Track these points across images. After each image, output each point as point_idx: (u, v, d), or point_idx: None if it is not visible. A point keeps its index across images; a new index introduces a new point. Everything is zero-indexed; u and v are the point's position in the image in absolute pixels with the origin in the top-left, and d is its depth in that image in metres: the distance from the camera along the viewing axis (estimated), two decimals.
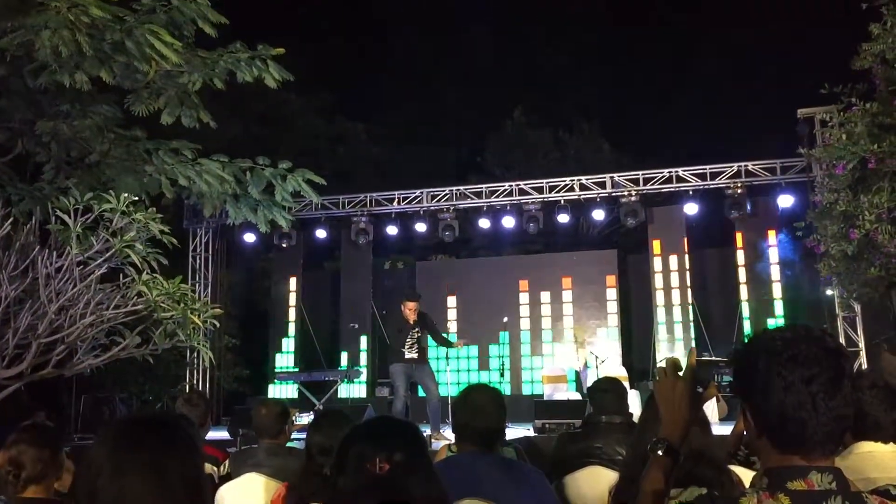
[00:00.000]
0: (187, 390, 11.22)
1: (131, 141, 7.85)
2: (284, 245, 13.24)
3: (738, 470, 2.96)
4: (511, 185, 12.69)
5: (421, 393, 9.46)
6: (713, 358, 1.91)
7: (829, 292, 10.81)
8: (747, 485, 1.86)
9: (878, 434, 2.60)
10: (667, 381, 1.85)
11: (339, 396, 11.41)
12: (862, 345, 10.75)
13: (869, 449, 2.48)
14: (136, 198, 6.52)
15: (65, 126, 7.47)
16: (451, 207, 12.62)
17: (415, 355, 9.12)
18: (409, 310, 9.04)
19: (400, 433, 1.74)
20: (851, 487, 1.51)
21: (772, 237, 12.15)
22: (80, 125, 7.49)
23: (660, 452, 1.79)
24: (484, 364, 13.16)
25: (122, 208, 6.06)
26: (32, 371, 6.01)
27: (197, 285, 12.99)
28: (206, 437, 5.53)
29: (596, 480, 3.50)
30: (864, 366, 10.66)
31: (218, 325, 7.95)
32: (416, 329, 9.07)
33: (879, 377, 2.64)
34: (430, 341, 9.48)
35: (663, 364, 1.91)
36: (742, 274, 12.16)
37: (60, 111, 7.56)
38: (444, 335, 9.50)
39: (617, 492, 2.88)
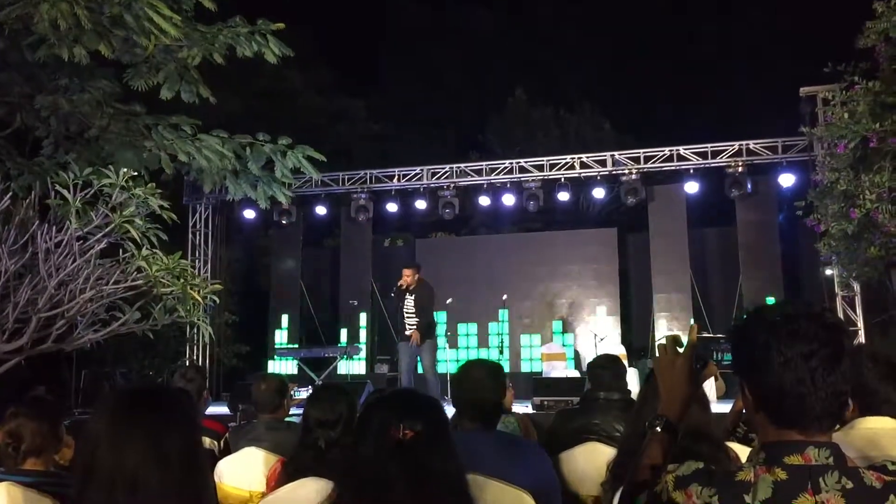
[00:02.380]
0: (187, 365, 11.25)
1: (130, 116, 7.81)
2: (284, 222, 13.22)
3: (736, 447, 2.98)
4: (511, 163, 12.65)
5: (420, 369, 9.51)
6: (713, 335, 1.91)
7: (828, 272, 10.81)
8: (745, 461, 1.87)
9: (886, 409, 2.55)
10: (667, 357, 1.86)
11: (338, 373, 11.44)
12: (861, 324, 10.76)
13: (872, 425, 2.46)
14: (136, 173, 6.51)
15: (64, 100, 7.44)
16: (452, 185, 12.59)
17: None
18: (404, 276, 9.20)
19: (424, 406, 1.73)
20: (849, 463, 1.51)
21: (772, 216, 12.13)
22: (79, 99, 7.45)
23: (658, 429, 1.80)
24: (483, 342, 13.19)
25: (122, 183, 6.04)
26: (32, 345, 6.03)
27: (197, 261, 13.00)
28: (207, 412, 5.56)
29: (594, 456, 3.52)
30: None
31: (218, 301, 7.97)
32: (412, 297, 9.16)
33: (880, 352, 2.61)
34: (438, 317, 9.55)
35: (664, 341, 1.92)
36: (742, 253, 12.15)
37: (59, 85, 7.52)
38: (427, 321, 9.44)
39: (615, 467, 2.90)
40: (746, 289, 11.98)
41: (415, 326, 9.18)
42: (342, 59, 21.48)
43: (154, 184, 6.50)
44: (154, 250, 6.29)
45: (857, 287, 10.63)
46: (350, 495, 1.60)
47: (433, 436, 1.62)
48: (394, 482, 1.54)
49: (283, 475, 2.92)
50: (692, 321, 11.72)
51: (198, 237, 13.38)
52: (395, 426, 1.59)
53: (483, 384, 2.93)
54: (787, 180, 11.49)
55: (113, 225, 6.04)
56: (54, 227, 6.02)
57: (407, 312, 9.27)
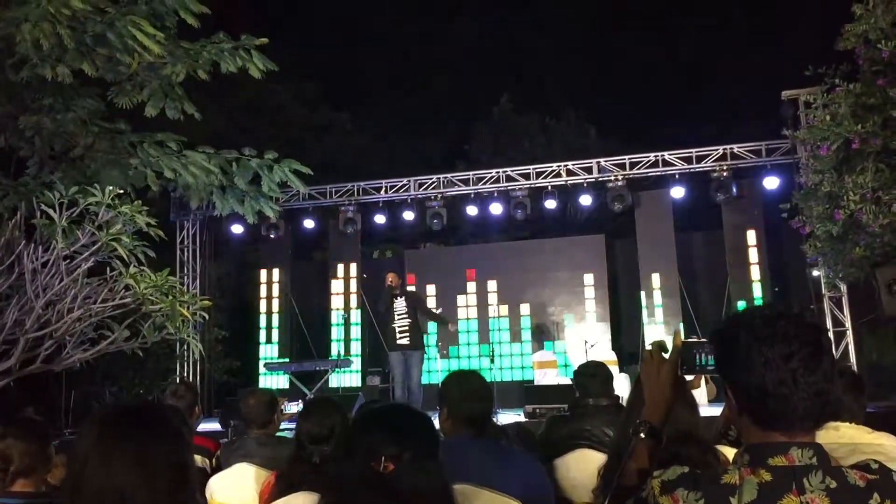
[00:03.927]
0: (178, 382, 11.20)
1: (115, 134, 7.79)
2: (272, 236, 13.20)
3: (726, 450, 2.99)
4: (498, 172, 12.69)
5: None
6: (699, 339, 1.93)
7: (815, 273, 10.88)
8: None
9: (849, 416, 2.67)
10: (652, 363, 1.88)
11: (329, 386, 11.42)
12: (849, 324, 10.83)
13: (834, 425, 2.55)
14: (122, 191, 6.51)
15: (48, 120, 7.41)
16: (439, 195, 12.61)
17: (406, 341, 9.19)
18: (388, 279, 9.30)
19: (414, 428, 1.74)
20: (832, 463, 1.53)
21: (758, 219, 12.20)
22: (64, 119, 7.43)
23: (642, 435, 1.82)
24: (474, 351, 13.19)
25: (108, 201, 6.04)
26: (21, 367, 6.00)
27: (185, 277, 12.95)
28: (198, 429, 5.54)
29: (585, 462, 3.53)
30: (852, 345, 10.76)
31: (207, 317, 7.94)
32: (402, 299, 9.18)
33: (845, 365, 2.75)
34: (429, 327, 9.58)
35: (650, 347, 1.94)
36: (729, 256, 12.22)
37: (43, 105, 7.50)
38: (437, 312, 9.62)
39: (605, 472, 2.91)
40: (734, 292, 12.04)
41: (409, 333, 9.18)
42: (326, 72, 21.52)
43: (140, 201, 6.49)
44: (142, 268, 6.28)
45: (843, 287, 10.70)
46: None
47: (418, 462, 1.63)
48: None
49: (276, 490, 2.91)
50: (681, 326, 11.79)
51: (185, 253, 13.34)
52: (377, 457, 1.60)
53: (473, 394, 2.93)
54: (771, 183, 11.57)
55: (100, 243, 6.02)
56: (41, 247, 6.01)
57: (398, 315, 9.25)
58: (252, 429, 3.94)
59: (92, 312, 6.12)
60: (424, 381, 9.85)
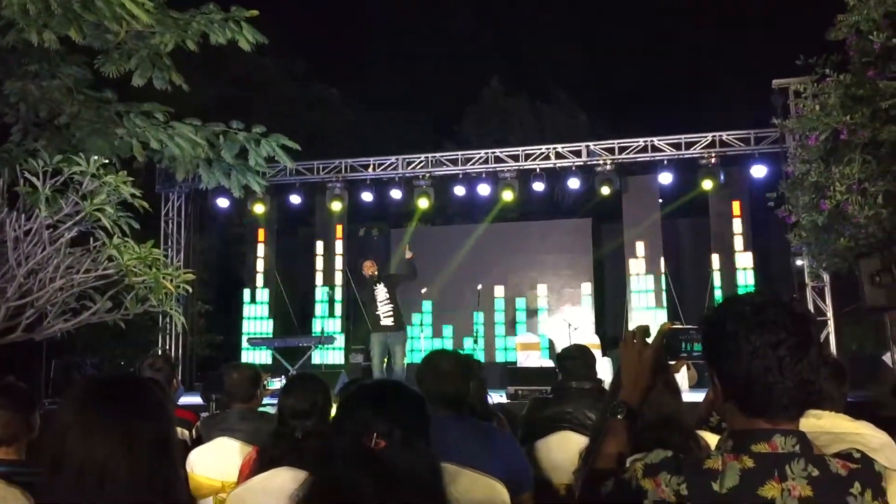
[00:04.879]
0: (157, 354, 11.16)
1: (102, 103, 7.70)
2: (258, 210, 13.12)
3: (708, 436, 3.01)
4: (487, 153, 12.65)
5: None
6: (684, 326, 1.93)
7: (798, 262, 10.95)
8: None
9: (830, 405, 2.69)
10: (634, 346, 1.88)
11: (312, 362, 11.41)
12: (830, 314, 10.92)
13: (816, 413, 2.56)
14: (107, 161, 6.45)
15: (33, 86, 7.31)
16: (427, 174, 12.57)
17: (390, 322, 9.19)
18: (366, 267, 9.42)
19: (404, 405, 1.72)
20: (815, 451, 1.53)
21: (744, 207, 12.25)
22: (50, 86, 7.33)
23: (620, 416, 1.82)
24: (458, 332, 13.22)
25: (93, 171, 5.98)
26: (1, 335, 5.95)
27: (169, 250, 12.87)
28: (179, 402, 5.53)
29: (566, 444, 3.54)
30: (833, 335, 10.86)
31: (191, 290, 7.91)
32: (381, 285, 9.19)
33: (827, 354, 2.75)
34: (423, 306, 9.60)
35: (633, 329, 1.93)
36: (714, 243, 12.28)
37: (29, 71, 7.40)
38: (407, 274, 9.73)
39: (587, 455, 2.92)
40: (718, 279, 12.12)
41: (392, 316, 9.19)
42: (317, 46, 21.35)
43: (126, 172, 6.44)
44: (125, 239, 6.23)
45: (826, 277, 10.78)
46: (321, 490, 1.60)
47: (408, 440, 1.61)
48: (363, 486, 1.54)
49: (258, 465, 2.91)
50: (665, 310, 11.87)
51: (170, 226, 13.26)
52: (368, 433, 1.59)
53: (448, 375, 2.93)
54: (759, 171, 11.60)
55: (83, 213, 5.97)
56: (23, 215, 5.95)
57: (381, 302, 9.25)
58: (235, 403, 3.92)
59: (74, 282, 6.08)
60: (409, 360, 9.87)
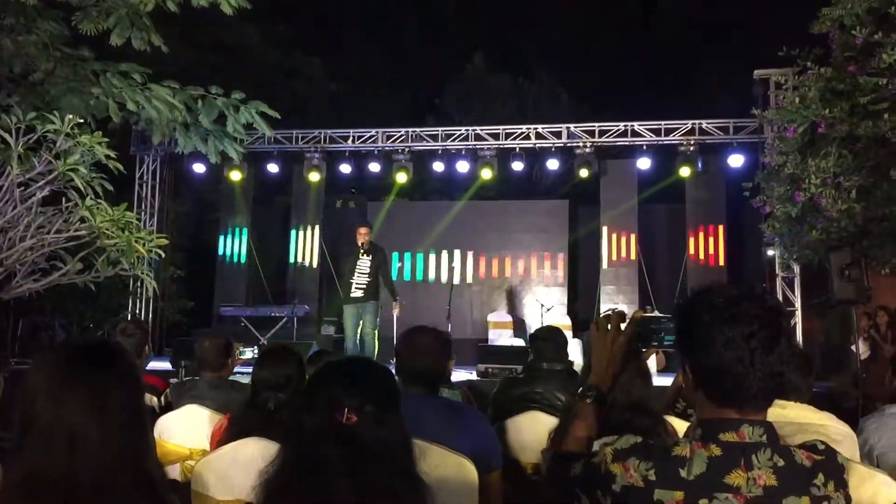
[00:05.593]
0: (128, 319, 11.08)
1: (78, 61, 7.55)
2: (234, 177, 12.99)
3: (674, 421, 3.05)
4: (467, 130, 12.61)
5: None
6: (657, 314, 1.94)
7: (769, 252, 11.08)
8: (682, 436, 1.92)
9: (796, 396, 2.73)
10: (608, 332, 1.89)
11: (283, 333, 11.37)
12: (798, 305, 11.08)
13: (782, 403, 2.60)
14: (82, 120, 6.34)
15: (8, 41, 7.15)
16: (406, 149, 12.51)
17: (360, 294, 9.14)
18: (360, 234, 9.16)
19: (375, 380, 1.70)
20: (781, 441, 1.56)
21: (720, 196, 12.36)
22: (25, 41, 7.17)
23: (589, 401, 1.84)
24: (430, 307, 13.24)
25: (67, 130, 5.88)
26: None
27: (143, 214, 12.72)
28: (147, 367, 5.50)
29: (536, 424, 3.57)
30: (800, 326, 11.02)
31: (163, 255, 7.84)
32: (368, 258, 9.10)
33: (796, 345, 2.78)
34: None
35: (607, 313, 1.94)
36: (688, 230, 12.38)
37: (4, 25, 7.23)
38: (393, 286, 9.52)
39: (556, 435, 2.95)
40: (691, 266, 12.24)
41: (365, 288, 9.13)
42: (300, 14, 21.04)
43: (101, 132, 6.33)
44: (98, 201, 6.15)
45: (796, 269, 10.92)
46: (291, 464, 1.59)
47: (379, 415, 1.60)
48: (334, 464, 1.54)
49: (228, 434, 2.91)
50: (636, 295, 11.96)
51: (144, 189, 13.10)
52: (339, 407, 1.57)
53: (427, 351, 2.94)
54: (736, 161, 11.68)
55: (56, 172, 5.88)
56: None
57: (360, 273, 9.18)
58: (205, 371, 3.91)
59: (45, 242, 6.01)
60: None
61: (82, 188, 5.98)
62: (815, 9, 8.41)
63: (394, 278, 10.19)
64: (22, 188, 5.92)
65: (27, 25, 7.18)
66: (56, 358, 1.57)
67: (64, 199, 6.19)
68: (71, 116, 6.01)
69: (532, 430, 3.58)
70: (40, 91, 7.57)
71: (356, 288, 9.14)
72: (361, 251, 9.16)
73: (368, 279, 9.14)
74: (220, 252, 13.93)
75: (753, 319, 1.55)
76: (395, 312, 9.41)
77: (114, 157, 6.31)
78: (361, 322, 9.22)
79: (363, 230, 9.31)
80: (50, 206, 6.18)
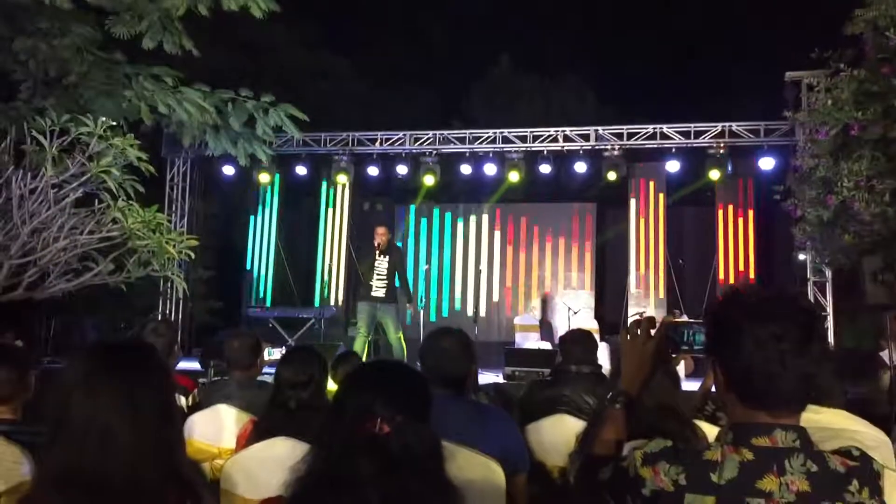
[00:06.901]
0: (158, 319, 11.19)
1: (111, 64, 7.66)
2: (264, 180, 13.08)
3: (703, 426, 3.02)
4: (494, 133, 12.57)
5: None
6: (687, 319, 1.93)
7: (801, 256, 10.93)
8: (711, 440, 1.90)
9: (829, 401, 2.69)
10: (637, 337, 1.87)
11: (311, 335, 11.43)
12: (830, 310, 10.91)
13: (815, 408, 2.56)
14: (114, 123, 6.42)
15: (43, 44, 7.27)
16: (434, 151, 12.51)
17: (381, 294, 9.12)
18: (378, 234, 9.16)
19: (408, 388, 1.68)
20: (814, 447, 1.54)
21: (751, 199, 12.23)
22: (60, 44, 7.29)
23: (618, 405, 1.82)
24: (458, 310, 13.24)
25: (100, 132, 5.96)
26: (3, 292, 5.97)
27: (173, 215, 12.84)
28: (177, 367, 5.54)
29: (562, 428, 3.55)
30: (832, 330, 10.86)
31: (193, 256, 7.91)
32: (385, 259, 9.10)
33: (830, 348, 2.73)
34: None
35: (636, 318, 1.93)
36: (718, 233, 12.26)
37: (39, 29, 7.35)
38: (408, 287, 9.51)
39: (584, 439, 2.93)
40: (721, 269, 12.11)
41: (385, 288, 9.13)
42: (328, 15, 21.15)
43: (133, 135, 6.41)
44: (130, 202, 6.23)
45: (828, 273, 10.76)
46: (320, 470, 1.57)
47: (411, 425, 1.57)
48: (364, 474, 1.51)
49: (254, 434, 2.93)
50: (663, 298, 11.86)
51: (175, 191, 13.22)
52: (371, 418, 1.55)
53: (451, 354, 2.93)
54: (767, 164, 11.52)
55: (89, 174, 5.97)
56: (29, 174, 5.94)
57: (378, 274, 9.18)
58: (234, 371, 3.94)
59: (77, 243, 6.08)
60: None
61: (114, 190, 6.06)
62: (847, 11, 8.30)
63: (419, 280, 10.18)
64: (56, 189, 6.01)
65: (61, 29, 7.29)
66: (89, 357, 1.60)
67: (97, 201, 6.27)
68: (104, 119, 6.10)
69: (558, 432, 3.56)
70: (74, 94, 7.69)
71: (378, 287, 9.14)
72: (378, 251, 9.16)
73: (387, 281, 9.15)
74: (249, 253, 14.04)
75: (785, 320, 1.53)
76: (410, 311, 9.43)
77: (145, 160, 6.39)
78: (383, 326, 9.21)
79: (381, 230, 9.31)
80: (83, 208, 6.27)
